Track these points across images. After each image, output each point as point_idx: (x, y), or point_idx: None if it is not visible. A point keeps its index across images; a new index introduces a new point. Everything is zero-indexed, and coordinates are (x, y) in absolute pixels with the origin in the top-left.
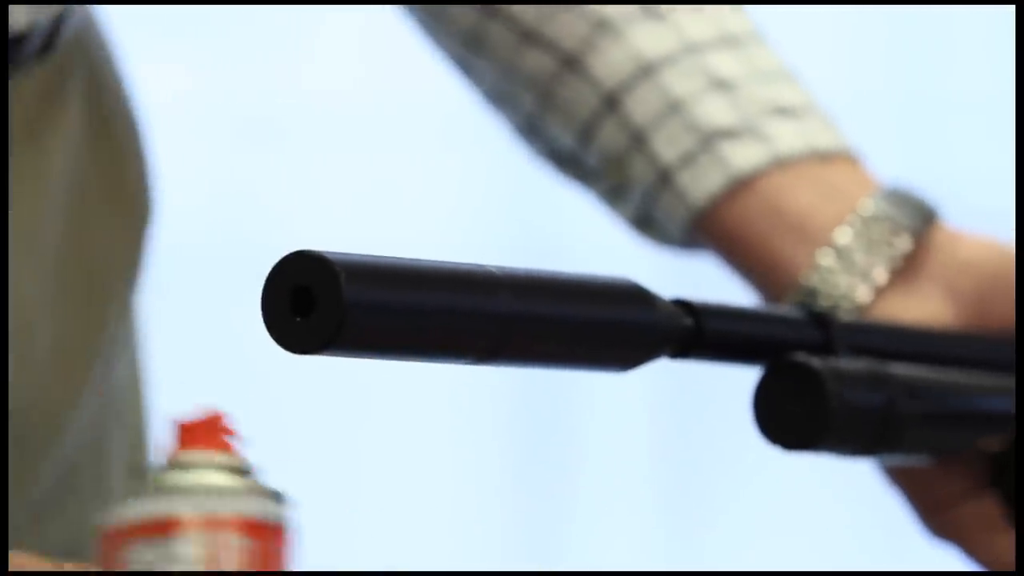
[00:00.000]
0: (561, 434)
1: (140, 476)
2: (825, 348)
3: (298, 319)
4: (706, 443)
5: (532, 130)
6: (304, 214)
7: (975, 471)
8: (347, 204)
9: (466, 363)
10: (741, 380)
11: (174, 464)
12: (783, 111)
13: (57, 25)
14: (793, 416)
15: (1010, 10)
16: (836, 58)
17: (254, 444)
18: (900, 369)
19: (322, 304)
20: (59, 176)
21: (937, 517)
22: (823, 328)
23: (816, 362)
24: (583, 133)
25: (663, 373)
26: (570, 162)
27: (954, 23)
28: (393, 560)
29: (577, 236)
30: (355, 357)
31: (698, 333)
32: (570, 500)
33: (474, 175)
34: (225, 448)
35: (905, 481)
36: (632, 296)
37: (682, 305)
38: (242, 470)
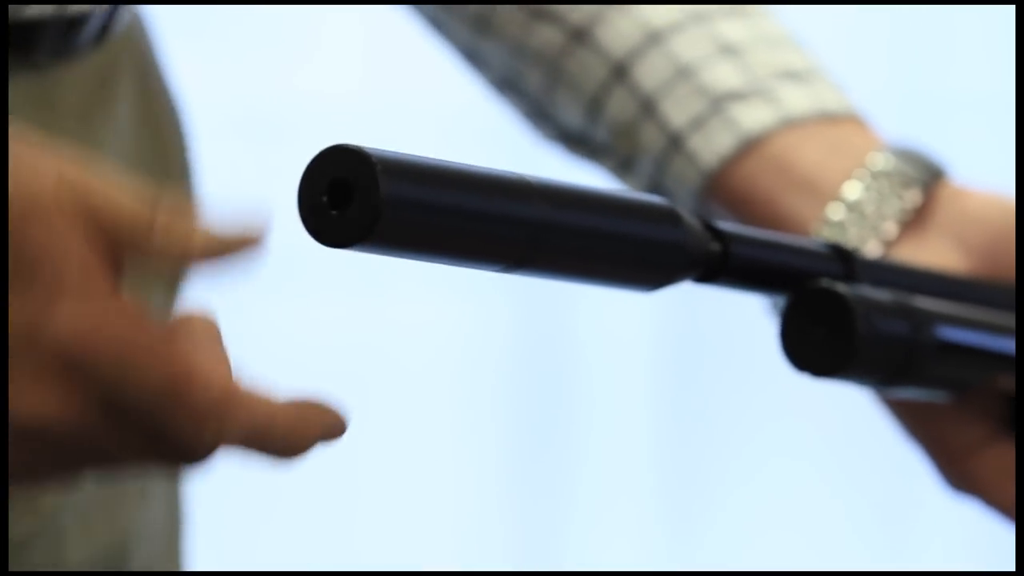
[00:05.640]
0: (561, 433)
1: None
2: (848, 280)
3: (334, 212)
4: (706, 442)
5: (540, 113)
6: None
7: (993, 418)
8: None
9: (496, 269)
10: (740, 380)
11: None
12: (791, 75)
13: (112, 12)
14: (820, 342)
15: (1010, 10)
16: (836, 57)
17: None
18: (924, 303)
19: (359, 197)
20: (110, 162)
21: (956, 468)
22: (846, 262)
23: (844, 288)
24: (592, 105)
25: (662, 374)
26: (579, 141)
27: (954, 23)
28: (393, 560)
29: None
30: (386, 254)
31: (724, 258)
32: (570, 500)
33: None
34: None
35: (922, 433)
36: (663, 215)
37: (710, 229)
38: None
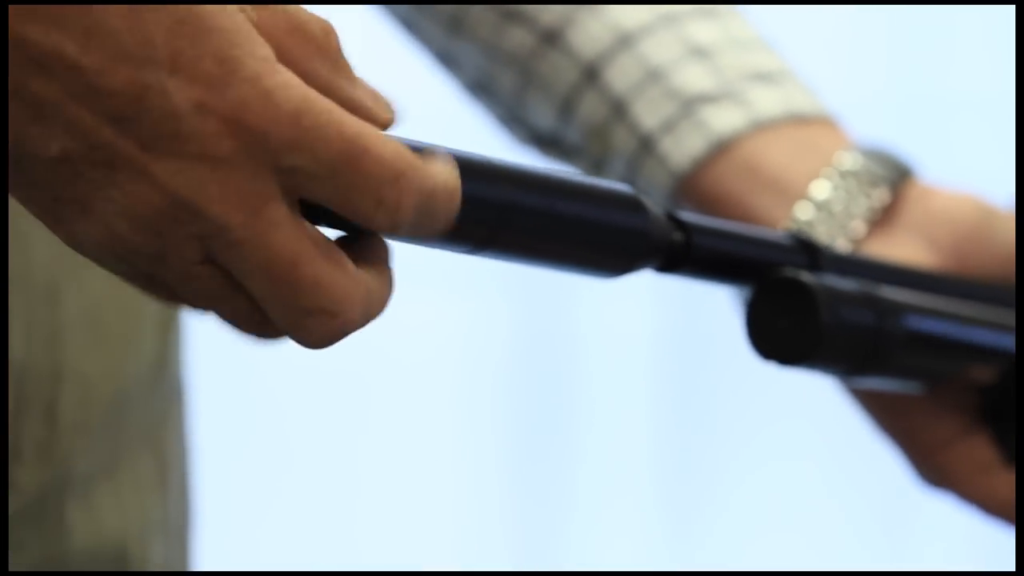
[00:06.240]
0: (561, 433)
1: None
2: (814, 271)
3: None
4: (706, 442)
5: (514, 116)
6: None
7: (965, 411)
8: None
9: (462, 250)
10: (740, 380)
11: None
12: (761, 76)
13: None
14: (786, 331)
15: (1010, 10)
16: (836, 58)
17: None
18: (890, 292)
19: None
20: None
21: (929, 462)
22: (811, 253)
23: (808, 277)
24: (564, 107)
25: (662, 374)
26: (552, 143)
27: (954, 23)
28: (393, 560)
29: None
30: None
31: (687, 248)
32: (570, 500)
33: None
34: None
35: (895, 427)
36: (626, 202)
37: (673, 219)
38: None
